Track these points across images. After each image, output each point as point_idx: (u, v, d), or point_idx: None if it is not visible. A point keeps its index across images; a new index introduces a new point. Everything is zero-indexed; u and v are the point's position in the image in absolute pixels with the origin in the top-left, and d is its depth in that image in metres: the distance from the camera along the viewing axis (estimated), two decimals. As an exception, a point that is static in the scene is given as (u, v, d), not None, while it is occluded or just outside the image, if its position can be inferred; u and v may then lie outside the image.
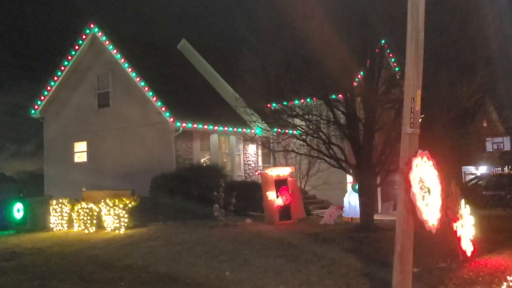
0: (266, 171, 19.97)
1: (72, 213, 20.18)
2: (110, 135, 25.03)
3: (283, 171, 19.73)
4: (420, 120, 8.03)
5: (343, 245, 13.51)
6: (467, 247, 11.24)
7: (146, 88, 23.08)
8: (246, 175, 26.61)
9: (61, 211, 20.61)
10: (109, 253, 14.23)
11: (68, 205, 20.47)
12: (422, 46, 7.94)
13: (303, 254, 12.52)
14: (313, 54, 14.93)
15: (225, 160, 25.64)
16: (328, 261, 11.70)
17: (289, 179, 19.72)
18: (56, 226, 20.68)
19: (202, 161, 23.93)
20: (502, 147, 35.64)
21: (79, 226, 19.73)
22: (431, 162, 8.36)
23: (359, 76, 17.18)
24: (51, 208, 20.99)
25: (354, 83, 16.81)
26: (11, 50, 39.02)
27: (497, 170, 34.29)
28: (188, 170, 21.87)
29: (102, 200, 19.10)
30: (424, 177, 8.12)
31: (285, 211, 19.10)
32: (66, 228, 20.32)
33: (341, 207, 19.87)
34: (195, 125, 22.88)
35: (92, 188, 22.74)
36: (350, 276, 10.43)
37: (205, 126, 23.49)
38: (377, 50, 16.23)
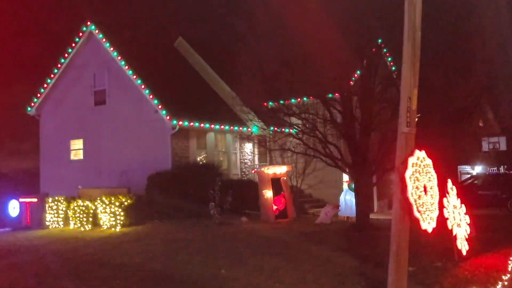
0: (262, 169, 19.97)
1: (68, 211, 20.16)
2: (106, 133, 24.98)
3: (280, 170, 19.74)
4: (416, 119, 8.04)
5: (338, 244, 13.53)
6: (463, 246, 11.28)
7: (143, 86, 23.06)
8: (243, 173, 26.61)
9: (57, 209, 20.59)
10: (105, 251, 14.22)
11: (64, 202, 20.45)
12: (419, 45, 7.95)
13: (298, 253, 12.54)
14: (310, 53, 14.94)
15: (221, 158, 25.63)
16: (324, 259, 11.72)
17: (284, 178, 19.73)
18: (52, 224, 20.66)
19: (198, 159, 23.90)
20: (498, 147, 35.71)
21: (75, 224, 19.71)
22: (427, 162, 8.38)
23: (355, 75, 17.20)
24: (47, 205, 20.97)
25: (351, 82, 16.83)
26: (7, 47, 38.90)
27: (493, 170, 34.35)
28: (184, 169, 21.84)
29: (98, 198, 19.09)
30: (420, 176, 8.14)
31: (281, 210, 19.18)
32: (62, 226, 20.30)
33: (337, 206, 19.89)
34: (191, 123, 22.85)
35: (88, 186, 22.73)
36: (346, 274, 10.45)
37: (202, 124, 23.47)
38: (373, 50, 16.24)
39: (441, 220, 9.91)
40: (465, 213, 11.74)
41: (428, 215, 8.24)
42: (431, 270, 10.47)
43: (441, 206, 9.78)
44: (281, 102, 17.72)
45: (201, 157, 24.19)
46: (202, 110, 24.39)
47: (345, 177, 22.92)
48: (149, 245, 14.54)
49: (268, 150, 23.73)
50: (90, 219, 19.23)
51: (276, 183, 19.36)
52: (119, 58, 24.00)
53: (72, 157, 26.47)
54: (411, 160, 7.96)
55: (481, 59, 15.70)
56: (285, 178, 19.85)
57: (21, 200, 22.24)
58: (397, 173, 8.00)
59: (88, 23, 25.16)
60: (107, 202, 18.65)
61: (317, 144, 16.96)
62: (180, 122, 22.26)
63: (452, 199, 11.35)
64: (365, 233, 15.08)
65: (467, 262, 11.04)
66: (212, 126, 24.01)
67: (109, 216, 18.49)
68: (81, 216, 19.47)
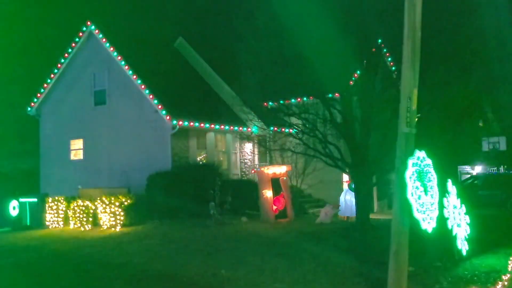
0: (262, 169, 19.97)
1: (68, 211, 20.15)
2: (106, 132, 24.97)
3: (280, 170, 19.74)
4: (416, 119, 8.05)
5: (338, 244, 13.53)
6: (463, 246, 11.28)
7: (143, 86, 23.05)
8: (242, 173, 26.60)
9: (57, 209, 20.58)
10: (105, 251, 14.22)
11: (64, 202, 20.44)
12: (419, 45, 7.96)
13: (298, 253, 12.53)
14: (310, 53, 14.94)
15: (221, 158, 25.61)
16: (324, 259, 11.72)
17: (284, 178, 19.74)
18: (52, 224, 20.65)
19: (198, 159, 23.89)
20: (498, 147, 35.70)
21: (75, 224, 19.70)
22: (427, 161, 8.38)
23: (355, 75, 17.20)
24: (47, 205, 20.96)
25: (351, 82, 16.83)
26: (7, 47, 38.83)
27: (493, 170, 34.35)
28: (184, 168, 21.83)
29: (98, 198, 19.08)
30: (420, 176, 8.14)
31: (281, 210, 19.19)
32: (62, 226, 20.29)
33: (337, 206, 19.89)
34: (191, 123, 22.84)
35: (88, 186, 22.71)
36: (345, 274, 10.45)
37: (202, 124, 23.46)
38: (373, 50, 16.24)
39: (441, 220, 9.93)
40: (465, 213, 11.74)
41: (428, 215, 8.25)
42: (431, 270, 10.47)
43: (441, 206, 9.79)
44: (281, 102, 17.73)
45: (201, 157, 24.19)
46: (202, 110, 24.36)
47: (345, 177, 22.91)
48: (149, 245, 14.53)
49: (268, 150, 23.72)
50: (90, 219, 19.22)
51: (276, 183, 19.35)
52: (119, 58, 23.99)
53: (72, 157, 26.46)
54: (411, 160, 7.97)
55: (482, 59, 15.73)
56: (285, 178, 19.85)
57: (21, 200, 22.23)
58: (397, 173, 8.01)
59: (88, 23, 25.16)
60: (107, 202, 18.65)
61: (317, 144, 16.96)
62: (180, 122, 22.25)
63: (452, 199, 11.35)
64: (365, 233, 15.08)
65: (467, 262, 11.04)
66: (212, 126, 24.00)
67: (109, 216, 18.49)
68: (81, 216, 19.47)
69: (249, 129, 24.27)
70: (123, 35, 26.85)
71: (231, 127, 24.84)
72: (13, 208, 22.15)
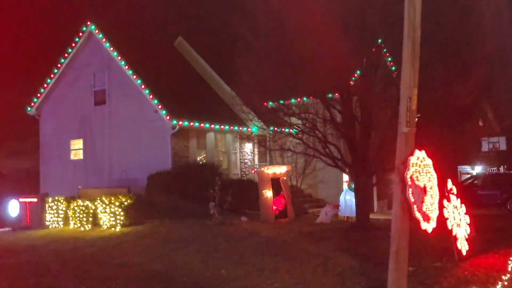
0: (262, 169, 19.96)
1: (68, 211, 20.15)
2: (106, 132, 24.99)
3: (280, 170, 19.73)
4: (416, 119, 8.04)
5: (338, 244, 13.52)
6: (463, 246, 11.27)
7: (143, 86, 23.05)
8: (242, 173, 26.60)
9: (57, 209, 20.58)
10: (104, 251, 14.23)
11: (64, 202, 20.45)
12: (419, 45, 7.96)
13: (298, 253, 12.53)
14: (310, 53, 14.91)
15: (221, 158, 25.62)
16: (324, 259, 11.71)
17: (284, 178, 19.73)
18: (52, 224, 20.65)
19: (198, 159, 23.91)
20: (498, 147, 35.69)
21: (75, 224, 19.70)
22: (427, 162, 8.38)
23: (355, 75, 17.18)
24: (47, 205, 20.96)
25: (351, 82, 16.80)
26: (7, 47, 38.92)
27: (493, 170, 34.33)
28: (184, 168, 21.85)
29: (98, 198, 19.08)
30: (420, 176, 8.14)
31: (280, 210, 19.18)
32: (62, 226, 20.29)
33: (337, 206, 19.88)
34: (191, 123, 22.85)
35: (88, 186, 22.72)
36: (346, 274, 10.44)
37: (202, 124, 23.46)
38: (373, 49, 16.21)
39: (441, 220, 9.92)
40: (465, 213, 11.73)
41: (428, 215, 8.24)
42: (431, 270, 10.46)
43: (441, 206, 9.79)
44: (281, 102, 17.71)
45: (201, 157, 24.20)
46: (202, 110, 24.38)
47: (345, 177, 22.91)
48: (149, 245, 14.53)
49: (268, 150, 23.71)
50: (90, 219, 19.22)
51: (276, 183, 19.35)
52: (119, 58, 24.00)
53: (72, 157, 26.47)
54: (411, 160, 7.97)
55: (482, 58, 15.69)
56: (285, 178, 19.85)
57: (21, 200, 22.23)
58: (397, 173, 8.00)
59: (88, 23, 25.17)
60: (107, 202, 18.64)
61: (317, 144, 16.94)
62: (180, 122, 22.26)
63: (452, 199, 11.34)
64: (365, 233, 15.06)
65: (467, 262, 11.02)
66: (212, 126, 24.00)
67: (109, 216, 18.48)
68: (81, 216, 19.47)
69: (249, 129, 24.27)
70: (123, 35, 26.87)
71: (231, 127, 24.85)
72: (13, 208, 22.14)
